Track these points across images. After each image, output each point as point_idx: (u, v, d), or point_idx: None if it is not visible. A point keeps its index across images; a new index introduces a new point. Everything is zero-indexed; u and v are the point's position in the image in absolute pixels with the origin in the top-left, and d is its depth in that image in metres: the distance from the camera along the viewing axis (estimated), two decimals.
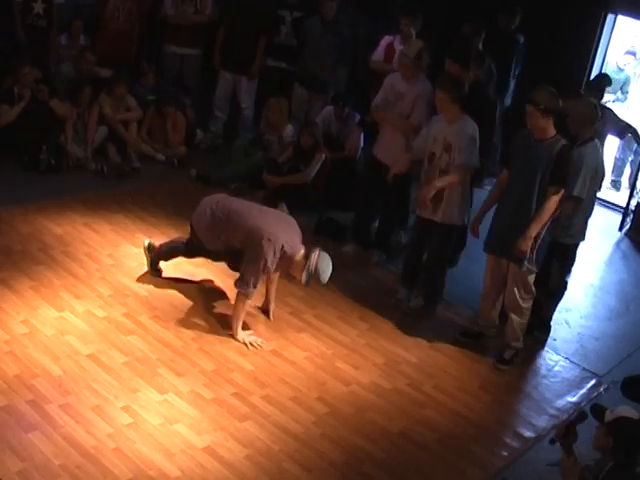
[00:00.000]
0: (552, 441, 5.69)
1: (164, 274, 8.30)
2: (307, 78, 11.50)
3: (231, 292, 7.83)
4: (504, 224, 7.54)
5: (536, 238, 7.34)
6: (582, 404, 7.47)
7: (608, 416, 5.41)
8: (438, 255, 8.37)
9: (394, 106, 8.93)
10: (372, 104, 9.18)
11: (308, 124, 10.76)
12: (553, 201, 7.25)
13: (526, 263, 7.44)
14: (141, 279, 8.24)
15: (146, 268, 8.34)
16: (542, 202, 7.27)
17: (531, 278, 7.61)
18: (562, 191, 7.27)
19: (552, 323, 8.52)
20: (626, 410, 5.47)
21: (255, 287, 7.41)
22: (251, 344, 7.51)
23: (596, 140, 7.89)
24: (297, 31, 11.68)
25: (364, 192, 9.61)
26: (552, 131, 7.28)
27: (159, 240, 8.43)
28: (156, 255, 8.30)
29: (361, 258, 9.52)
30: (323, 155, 10.36)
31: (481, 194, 8.83)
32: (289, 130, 10.83)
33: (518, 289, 7.64)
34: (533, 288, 7.66)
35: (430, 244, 8.38)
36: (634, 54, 13.95)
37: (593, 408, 5.66)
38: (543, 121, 7.22)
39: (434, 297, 8.60)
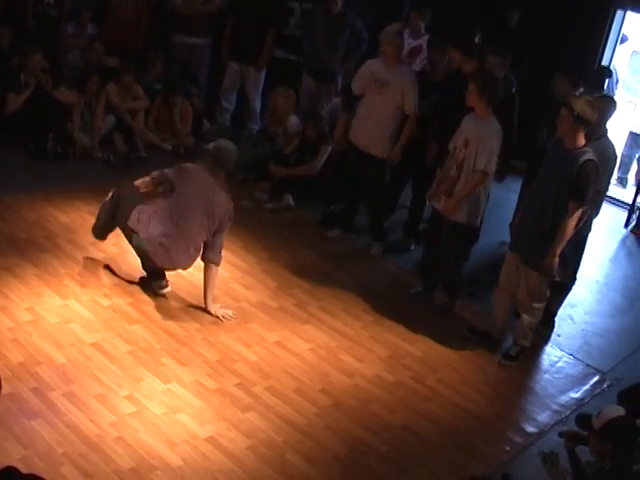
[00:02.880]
0: (560, 434, 5.72)
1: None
2: (315, 68, 11.48)
3: (231, 283, 7.82)
4: (529, 231, 7.49)
5: (561, 254, 7.28)
6: (585, 400, 7.49)
7: (596, 422, 5.39)
8: (450, 252, 8.33)
9: (377, 94, 8.92)
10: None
11: (313, 117, 10.74)
12: (574, 217, 7.16)
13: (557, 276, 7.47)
14: None
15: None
16: (564, 218, 7.16)
17: (546, 284, 7.59)
18: (583, 207, 7.15)
19: (556, 319, 8.52)
20: (611, 410, 5.46)
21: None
22: (224, 317, 7.60)
23: (609, 136, 7.87)
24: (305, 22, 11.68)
25: (346, 178, 9.64)
26: (581, 141, 7.13)
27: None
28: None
29: (347, 244, 9.59)
30: (329, 147, 10.35)
31: (501, 189, 8.85)
32: (294, 121, 10.78)
33: (529, 292, 7.62)
34: (546, 292, 7.64)
35: (444, 241, 8.35)
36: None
37: (578, 420, 5.67)
38: (573, 128, 7.08)
39: (452, 293, 8.57)
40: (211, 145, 7.78)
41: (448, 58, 8.98)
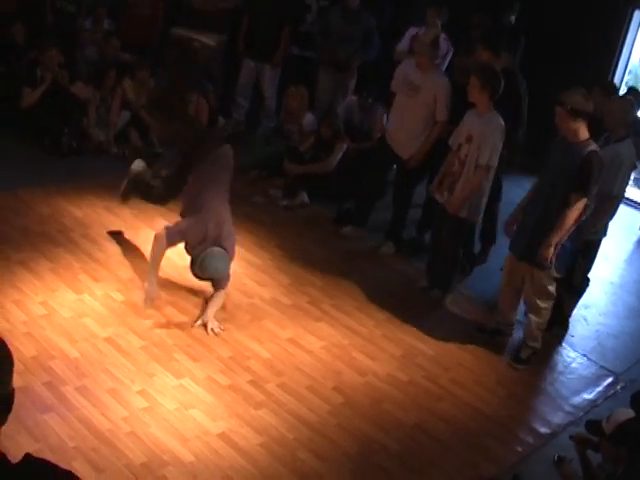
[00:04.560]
0: (571, 437, 5.70)
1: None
2: (330, 62, 11.49)
3: (244, 279, 7.82)
4: (528, 227, 7.46)
5: (557, 245, 7.22)
6: (598, 402, 7.47)
7: (607, 427, 5.36)
8: (449, 246, 8.35)
9: (409, 97, 8.93)
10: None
11: (327, 115, 10.74)
12: (575, 209, 7.07)
13: (552, 270, 7.39)
14: (161, 264, 8.23)
15: (168, 253, 8.34)
16: (564, 209, 7.09)
17: (550, 282, 7.54)
18: (584, 199, 7.06)
19: (570, 320, 8.50)
20: (621, 413, 5.43)
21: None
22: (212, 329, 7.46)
23: (630, 138, 7.83)
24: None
25: (366, 174, 9.66)
26: (584, 135, 7.07)
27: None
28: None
29: (361, 242, 9.61)
30: (344, 145, 10.34)
31: (520, 189, 8.84)
32: (309, 119, 10.79)
33: (535, 291, 7.60)
34: (552, 291, 7.60)
35: (443, 234, 8.37)
36: None
37: (588, 426, 5.63)
38: (571, 123, 7.03)
39: (443, 286, 8.60)
40: None
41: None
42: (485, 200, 8.14)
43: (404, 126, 9.02)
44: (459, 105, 8.45)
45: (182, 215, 7.72)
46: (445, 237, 8.33)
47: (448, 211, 8.09)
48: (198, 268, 7.53)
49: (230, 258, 7.59)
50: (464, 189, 7.92)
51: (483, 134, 7.78)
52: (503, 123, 7.84)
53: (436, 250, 8.61)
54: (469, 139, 7.85)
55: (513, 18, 11.77)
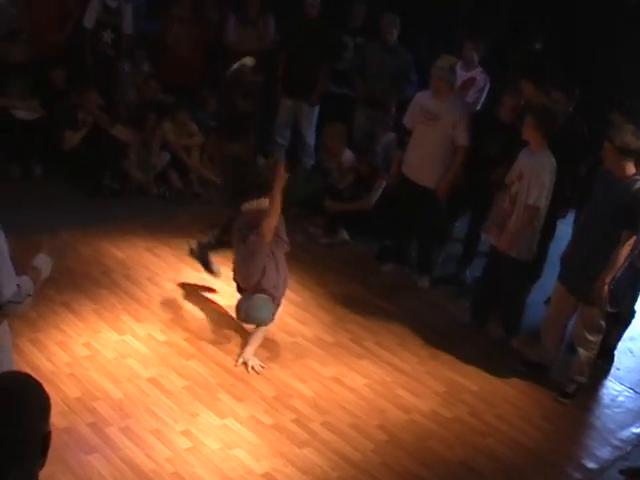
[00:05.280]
0: (621, 471, 5.62)
1: (227, 305, 8.28)
2: (368, 98, 11.51)
3: (286, 318, 7.82)
4: (580, 262, 7.39)
5: (610, 282, 7.16)
6: None
7: None
8: (509, 288, 8.25)
9: (428, 127, 8.93)
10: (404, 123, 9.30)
11: (366, 152, 10.74)
12: (627, 245, 7.04)
13: (606, 306, 7.34)
14: (202, 304, 8.27)
15: (208, 293, 8.38)
16: (616, 247, 7.05)
17: (602, 317, 7.47)
18: (635, 236, 7.02)
19: (616, 352, 8.40)
20: None
21: None
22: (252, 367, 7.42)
23: None
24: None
25: (399, 212, 9.60)
26: (631, 170, 7.01)
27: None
28: (203, 254, 8.38)
29: (401, 279, 9.56)
30: (383, 182, 10.33)
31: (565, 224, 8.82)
32: (348, 156, 10.77)
33: (586, 325, 7.53)
34: (603, 325, 7.53)
35: (503, 276, 8.26)
36: None
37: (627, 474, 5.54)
38: (618, 159, 6.99)
39: (511, 328, 8.49)
40: None
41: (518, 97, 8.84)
42: (536, 239, 8.04)
43: (425, 156, 8.98)
44: (507, 144, 8.43)
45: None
46: (504, 279, 8.23)
47: (499, 250, 8.05)
48: (243, 317, 7.52)
49: (277, 305, 7.59)
50: (514, 227, 7.86)
51: (533, 173, 7.70)
52: (555, 164, 7.74)
53: (484, 289, 8.55)
54: (520, 177, 7.78)
55: (539, 45, 11.72)
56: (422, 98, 9.11)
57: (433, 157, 8.95)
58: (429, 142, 8.95)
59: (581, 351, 7.65)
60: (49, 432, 2.85)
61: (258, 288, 7.39)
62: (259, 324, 7.53)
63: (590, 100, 9.32)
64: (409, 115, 9.20)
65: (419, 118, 9.01)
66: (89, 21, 11.33)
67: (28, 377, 2.95)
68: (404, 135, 9.40)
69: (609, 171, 7.17)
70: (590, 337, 7.55)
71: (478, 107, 10.63)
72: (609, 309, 7.40)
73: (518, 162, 7.88)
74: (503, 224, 7.95)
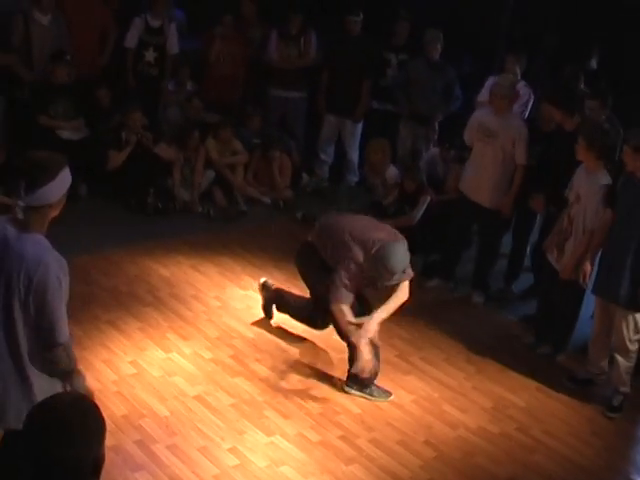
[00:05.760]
0: None
1: (274, 321, 8.30)
2: (412, 114, 11.51)
3: (333, 334, 7.79)
4: (615, 269, 7.32)
5: None
6: None
7: None
8: (563, 307, 8.17)
9: (487, 144, 8.91)
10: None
11: (410, 168, 10.71)
12: None
13: None
14: (248, 321, 8.28)
15: (253, 310, 8.38)
16: None
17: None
18: None
19: None
20: None
21: (345, 287, 7.15)
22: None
23: None
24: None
25: (450, 226, 9.58)
26: None
27: (275, 283, 8.45)
28: (270, 298, 8.31)
29: (446, 294, 9.53)
30: (428, 197, 10.29)
31: None
32: (392, 172, 10.74)
33: (628, 330, 7.43)
34: None
35: (556, 295, 8.19)
36: None
37: None
38: (636, 159, 7.02)
39: (562, 344, 8.41)
40: None
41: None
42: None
43: (484, 173, 8.96)
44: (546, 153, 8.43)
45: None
46: (559, 300, 8.14)
47: (558, 272, 7.99)
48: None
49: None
50: (574, 253, 7.77)
51: (589, 195, 7.60)
52: (611, 184, 7.61)
53: (544, 308, 8.48)
54: (577, 199, 7.68)
55: (595, 62, 11.64)
56: (481, 115, 9.11)
57: (491, 175, 8.92)
58: (488, 159, 8.93)
59: (619, 359, 7.55)
60: (103, 454, 2.86)
61: None
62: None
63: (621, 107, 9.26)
64: (468, 131, 9.19)
65: (478, 135, 9.01)
66: (131, 41, 11.42)
67: (84, 398, 2.97)
68: (464, 151, 9.44)
69: (631, 174, 7.18)
70: (630, 346, 7.47)
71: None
72: None
73: (575, 181, 7.77)
74: (561, 245, 7.89)
